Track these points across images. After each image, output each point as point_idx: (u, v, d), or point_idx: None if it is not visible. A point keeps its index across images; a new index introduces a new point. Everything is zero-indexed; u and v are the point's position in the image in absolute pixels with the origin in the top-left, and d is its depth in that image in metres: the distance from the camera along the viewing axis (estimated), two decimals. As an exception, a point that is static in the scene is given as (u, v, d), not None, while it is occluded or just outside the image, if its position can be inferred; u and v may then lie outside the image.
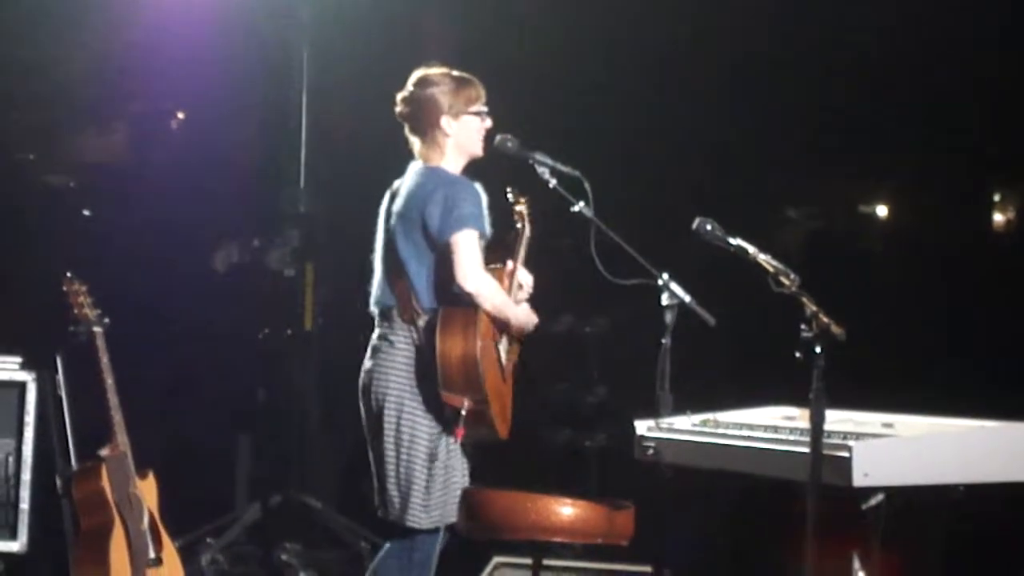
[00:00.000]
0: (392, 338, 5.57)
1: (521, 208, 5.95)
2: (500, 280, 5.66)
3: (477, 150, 5.68)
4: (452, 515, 5.52)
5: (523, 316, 5.71)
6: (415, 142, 5.70)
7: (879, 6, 8.07)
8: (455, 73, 5.68)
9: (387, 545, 5.68)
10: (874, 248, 9.03)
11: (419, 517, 5.52)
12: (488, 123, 5.69)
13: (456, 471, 5.57)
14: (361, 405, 5.68)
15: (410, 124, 5.69)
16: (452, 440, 5.49)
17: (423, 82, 5.66)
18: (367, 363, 5.66)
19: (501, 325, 5.61)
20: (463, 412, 5.41)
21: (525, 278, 5.90)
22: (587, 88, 8.37)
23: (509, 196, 5.87)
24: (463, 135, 5.65)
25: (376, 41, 8.50)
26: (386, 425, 5.55)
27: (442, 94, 5.62)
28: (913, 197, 8.82)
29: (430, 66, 5.72)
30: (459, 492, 5.54)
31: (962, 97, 8.06)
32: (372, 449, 5.65)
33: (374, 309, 5.66)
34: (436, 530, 5.52)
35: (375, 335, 5.65)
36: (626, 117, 8.33)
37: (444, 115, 5.61)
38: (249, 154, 8.85)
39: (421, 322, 5.51)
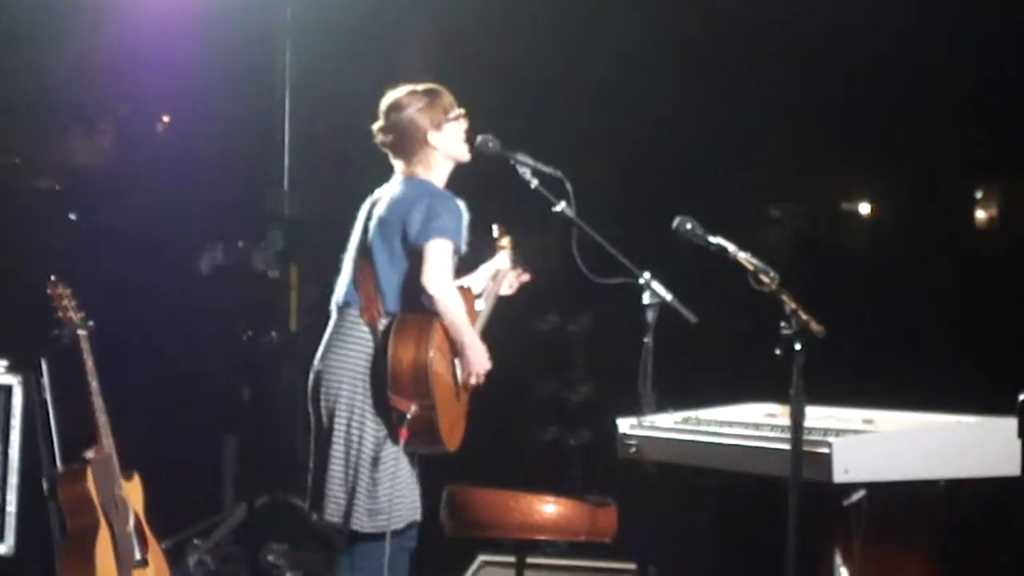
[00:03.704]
0: (347, 337, 5.55)
1: (504, 244, 5.98)
2: (466, 299, 5.65)
3: (464, 155, 5.68)
4: (398, 522, 5.47)
5: (478, 349, 5.57)
6: (400, 164, 5.68)
7: (862, 7, 8.09)
8: (420, 88, 5.66)
9: (341, 559, 5.64)
10: (857, 245, 9.05)
11: (362, 520, 5.45)
12: (465, 123, 5.70)
13: (403, 477, 5.50)
14: (310, 404, 5.63)
15: (395, 150, 5.66)
16: (398, 443, 5.43)
17: (398, 107, 5.63)
18: (318, 362, 5.62)
19: (455, 347, 5.55)
20: (409, 416, 5.38)
21: (516, 279, 5.93)
22: (568, 87, 8.39)
23: (494, 231, 5.88)
24: (450, 144, 5.64)
25: (359, 42, 8.51)
26: (336, 425, 5.51)
27: (420, 112, 5.60)
28: (896, 194, 8.84)
29: (394, 88, 5.68)
30: (406, 499, 5.50)
31: (944, 95, 8.08)
32: (317, 448, 5.59)
33: (334, 307, 5.64)
34: (382, 537, 5.43)
35: (329, 332, 5.62)
36: (607, 116, 8.34)
37: (429, 131, 5.61)
38: (233, 156, 8.84)
39: (381, 324, 5.50)
